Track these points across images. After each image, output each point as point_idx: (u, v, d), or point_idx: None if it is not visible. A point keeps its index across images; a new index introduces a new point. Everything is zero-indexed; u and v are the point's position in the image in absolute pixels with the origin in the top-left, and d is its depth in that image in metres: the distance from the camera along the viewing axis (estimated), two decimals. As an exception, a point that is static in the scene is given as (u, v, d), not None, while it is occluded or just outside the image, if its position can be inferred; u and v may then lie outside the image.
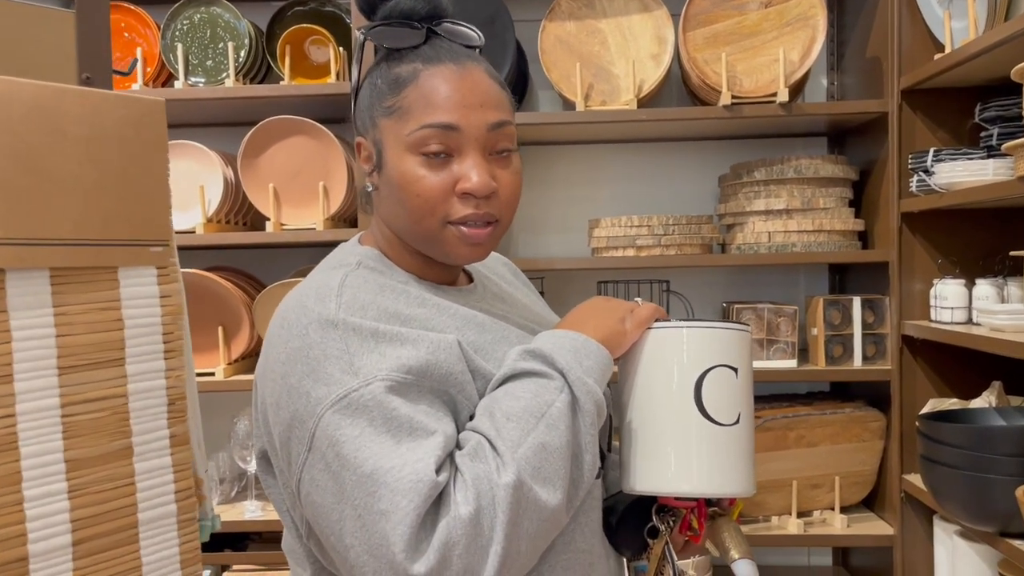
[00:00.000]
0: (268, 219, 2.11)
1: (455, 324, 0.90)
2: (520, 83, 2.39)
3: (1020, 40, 1.52)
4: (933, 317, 1.93)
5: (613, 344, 0.91)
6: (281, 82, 2.14)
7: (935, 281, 1.93)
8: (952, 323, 1.87)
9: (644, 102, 2.20)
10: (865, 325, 2.08)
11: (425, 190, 0.87)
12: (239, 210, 2.23)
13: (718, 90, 2.05)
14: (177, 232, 2.10)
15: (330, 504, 0.80)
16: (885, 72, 2.03)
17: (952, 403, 1.87)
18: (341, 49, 2.13)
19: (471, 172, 0.87)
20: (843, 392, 2.33)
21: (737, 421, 0.90)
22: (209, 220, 2.11)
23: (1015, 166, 1.48)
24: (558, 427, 0.83)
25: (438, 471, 0.78)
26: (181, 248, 2.27)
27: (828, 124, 2.27)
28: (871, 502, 2.18)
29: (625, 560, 1.00)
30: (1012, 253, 1.43)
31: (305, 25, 2.13)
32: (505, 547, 0.77)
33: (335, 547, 0.81)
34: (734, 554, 0.91)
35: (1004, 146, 1.51)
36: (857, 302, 2.07)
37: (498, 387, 0.86)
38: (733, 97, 2.05)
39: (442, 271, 0.97)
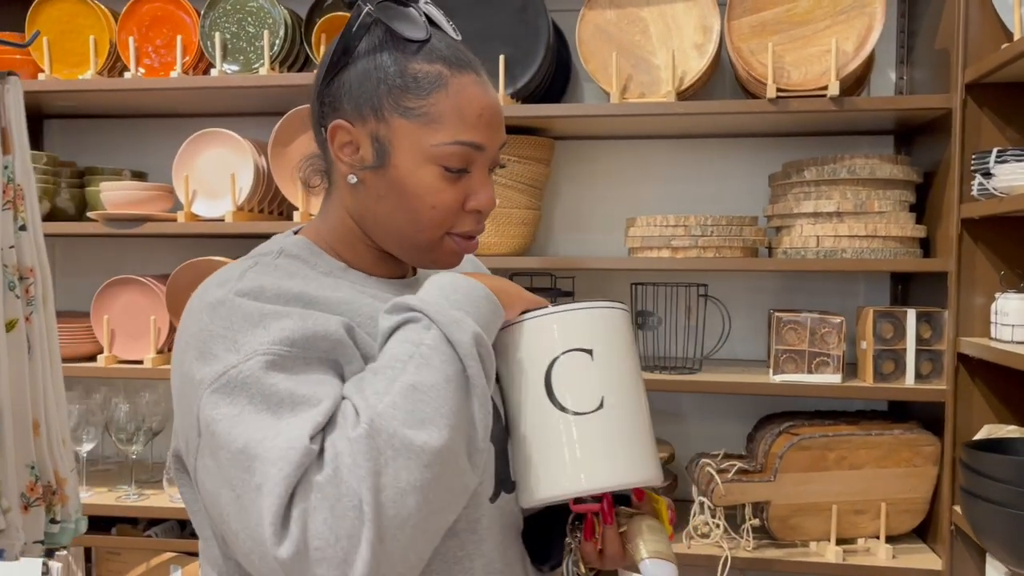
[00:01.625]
0: (297, 208, 2.09)
1: (373, 308, 0.85)
2: (562, 74, 2.31)
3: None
4: (993, 334, 1.75)
5: (500, 298, 0.84)
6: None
7: (996, 295, 1.75)
8: (1013, 341, 1.69)
9: (687, 95, 2.09)
10: (920, 340, 1.91)
11: (441, 203, 0.85)
12: (272, 198, 2.22)
13: (764, 82, 1.91)
14: (206, 220, 2.13)
15: (215, 489, 0.75)
16: (952, 65, 1.85)
17: (1010, 430, 1.69)
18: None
19: (482, 190, 0.87)
20: (900, 412, 2.15)
21: (600, 406, 0.81)
22: (240, 208, 2.11)
23: (1078, 167, 1.31)
24: (431, 363, 0.75)
25: (312, 439, 0.71)
26: (210, 236, 2.32)
27: (895, 121, 2.10)
28: (924, 532, 2.01)
29: None
30: (1066, 265, 1.26)
31: (342, 14, 2.10)
32: (375, 499, 0.69)
33: (230, 541, 0.76)
34: (642, 553, 0.81)
35: (1064, 144, 1.34)
36: (912, 315, 1.90)
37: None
38: (779, 90, 1.91)
39: (393, 267, 0.93)
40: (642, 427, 0.83)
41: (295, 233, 0.94)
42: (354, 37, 0.85)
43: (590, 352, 0.82)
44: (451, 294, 0.81)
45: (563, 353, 0.82)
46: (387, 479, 0.70)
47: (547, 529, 0.89)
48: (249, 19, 2.18)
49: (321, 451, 0.72)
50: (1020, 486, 1.34)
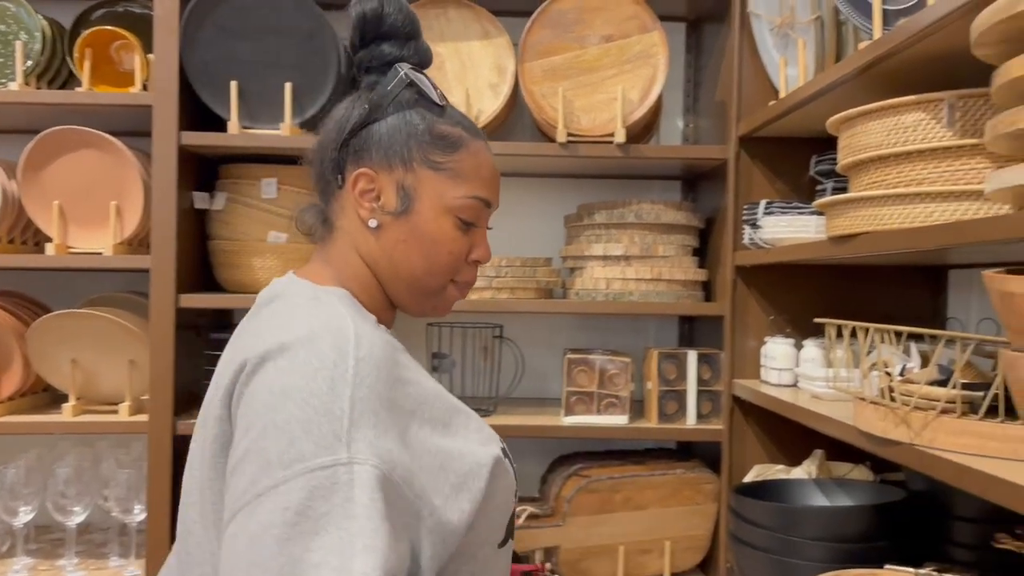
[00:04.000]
0: (51, 240, 1.88)
1: (433, 390, 0.91)
2: (359, 106, 2.23)
3: (844, 89, 1.43)
4: (763, 377, 1.83)
5: None
6: (78, 88, 1.92)
7: (766, 339, 1.83)
8: (779, 384, 1.78)
9: (484, 133, 2.06)
10: (701, 381, 1.97)
11: (456, 250, 0.95)
12: (25, 227, 1.99)
13: (556, 126, 1.92)
14: (-60, 251, 1.87)
15: (248, 564, 0.74)
16: (728, 118, 1.94)
17: (778, 470, 1.76)
18: (150, 56, 1.93)
19: (483, 243, 0.99)
20: (686, 451, 2.22)
21: None
22: (-16, 238, 1.87)
23: (827, 225, 1.39)
24: None
25: None
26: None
27: (682, 168, 2.18)
28: (707, 568, 2.06)
29: None
30: (816, 320, 1.32)
31: (107, 27, 1.92)
32: None
33: None
34: None
35: (815, 203, 1.41)
36: (692, 356, 1.96)
37: None
38: (570, 134, 1.93)
39: (390, 315, 1.01)
40: None
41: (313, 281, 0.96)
42: (388, 95, 0.95)
43: None
44: None
45: None
46: None
47: None
48: (1, 28, 1.95)
49: None
50: (781, 532, 1.39)
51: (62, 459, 1.90)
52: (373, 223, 0.94)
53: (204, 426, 0.89)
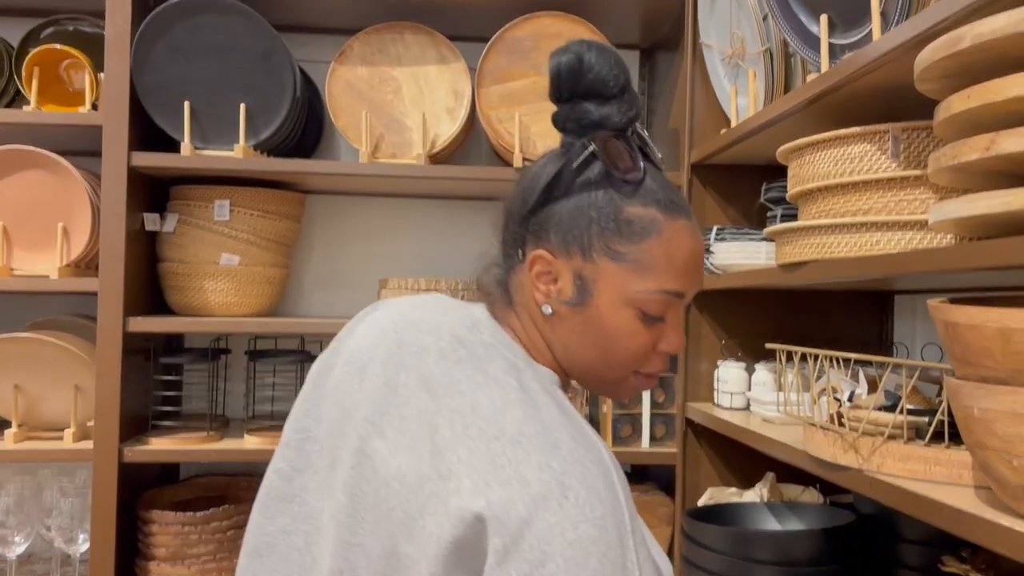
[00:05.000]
0: (-5, 263, 1.83)
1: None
2: (316, 126, 2.22)
3: (793, 119, 1.47)
4: (715, 400, 1.85)
5: None
6: (26, 107, 1.88)
7: (719, 362, 1.86)
8: (731, 408, 1.80)
9: (441, 157, 2.07)
10: (656, 404, 1.99)
11: (635, 345, 0.86)
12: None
13: (512, 151, 1.94)
14: None
15: None
16: (681, 145, 1.97)
17: (731, 492, 1.78)
18: (101, 75, 1.89)
19: (674, 333, 0.88)
20: (642, 474, 2.23)
21: None
22: (-78, 260, 1.81)
23: (777, 252, 1.41)
24: None
25: None
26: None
27: (635, 193, 2.20)
28: (661, 591, 2.07)
29: None
30: (767, 345, 1.35)
31: (55, 46, 1.88)
32: None
33: None
34: None
35: (765, 231, 1.44)
36: (647, 380, 1.97)
37: None
38: (526, 159, 1.94)
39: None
40: None
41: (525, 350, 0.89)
42: (575, 172, 0.85)
43: None
44: None
45: None
46: None
47: None
48: (-56, 43, 1.90)
49: None
50: (733, 556, 1.40)
51: (3, 487, 1.84)
52: (547, 310, 0.86)
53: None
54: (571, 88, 0.86)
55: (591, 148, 0.85)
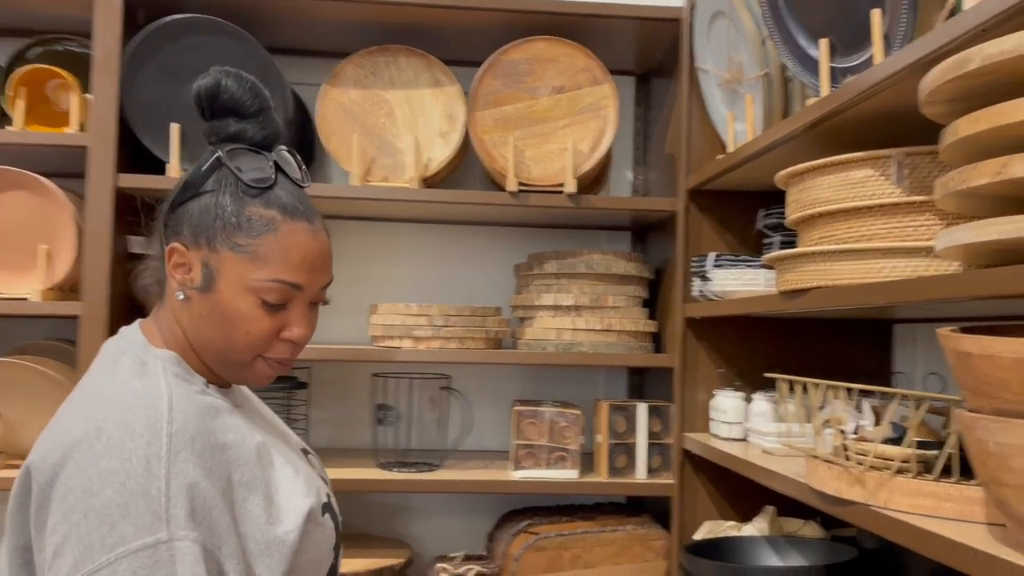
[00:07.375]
0: (-24, 284, 1.78)
1: (255, 447, 0.95)
2: (308, 148, 2.19)
3: (792, 144, 1.45)
4: (712, 430, 1.81)
5: None
6: (10, 127, 1.84)
7: (715, 391, 1.82)
8: (729, 439, 1.76)
9: (433, 181, 2.05)
10: (652, 434, 1.94)
11: (255, 330, 0.95)
12: (-52, 271, 1.88)
13: (506, 175, 1.91)
14: None
15: None
16: (677, 170, 1.95)
17: (729, 526, 1.73)
18: (88, 96, 1.86)
19: (298, 323, 0.98)
20: (637, 505, 2.18)
21: None
22: (-99, 281, 1.77)
23: (778, 279, 1.38)
24: None
25: None
26: None
27: (631, 219, 2.18)
28: (657, 626, 2.01)
29: None
30: (767, 375, 1.31)
31: (41, 66, 1.85)
32: None
33: None
34: None
35: (764, 257, 1.41)
36: (643, 408, 1.94)
37: None
38: (521, 184, 1.91)
39: (222, 378, 1.02)
40: None
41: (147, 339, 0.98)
42: (203, 176, 0.97)
43: None
44: None
45: None
46: None
47: None
48: (-71, 62, 1.87)
49: None
50: (732, 591, 1.36)
51: (-23, 518, 1.78)
52: (180, 295, 0.97)
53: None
54: (210, 107, 0.98)
55: (217, 155, 0.97)
